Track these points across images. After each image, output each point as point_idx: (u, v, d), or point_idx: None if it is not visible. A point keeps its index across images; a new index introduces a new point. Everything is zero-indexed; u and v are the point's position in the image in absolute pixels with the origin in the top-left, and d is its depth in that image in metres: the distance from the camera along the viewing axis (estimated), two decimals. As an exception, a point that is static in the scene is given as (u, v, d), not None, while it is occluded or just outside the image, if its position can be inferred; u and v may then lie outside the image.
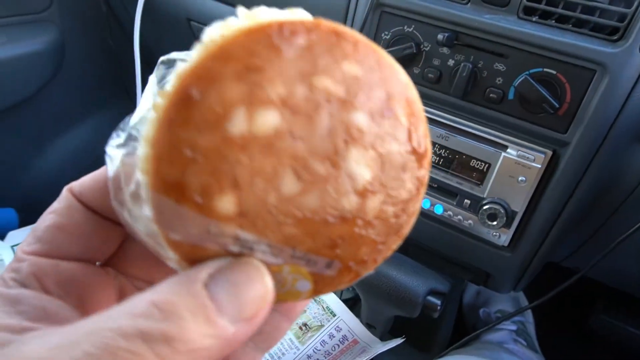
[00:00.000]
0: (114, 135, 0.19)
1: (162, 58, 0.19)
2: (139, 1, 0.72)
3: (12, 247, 0.70)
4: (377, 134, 0.17)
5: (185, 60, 0.17)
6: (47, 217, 0.21)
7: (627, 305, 1.03)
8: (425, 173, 0.19)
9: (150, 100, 0.18)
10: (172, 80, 0.16)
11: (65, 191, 0.21)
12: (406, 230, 0.19)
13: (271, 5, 0.18)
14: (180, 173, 0.15)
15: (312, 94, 0.16)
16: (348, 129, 0.16)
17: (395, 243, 0.19)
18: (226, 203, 0.15)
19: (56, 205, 0.21)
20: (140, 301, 0.15)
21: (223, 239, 0.16)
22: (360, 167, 0.17)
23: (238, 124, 0.15)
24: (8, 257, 0.68)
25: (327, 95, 0.16)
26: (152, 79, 0.19)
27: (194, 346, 0.14)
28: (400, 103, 0.17)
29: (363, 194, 0.17)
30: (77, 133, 1.03)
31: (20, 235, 0.73)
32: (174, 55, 0.19)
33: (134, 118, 0.19)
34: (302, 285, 0.18)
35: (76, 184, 0.21)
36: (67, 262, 0.20)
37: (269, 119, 0.15)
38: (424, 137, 0.19)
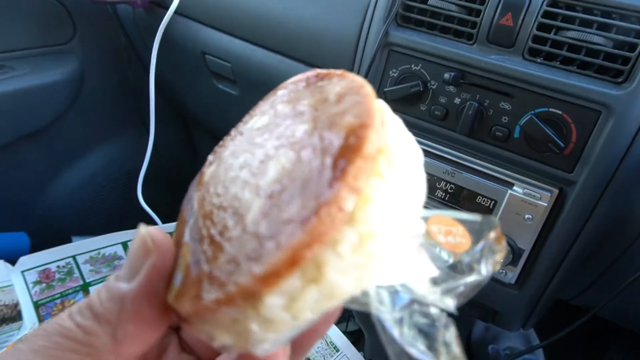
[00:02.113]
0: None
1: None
2: (156, 35, 0.75)
3: (23, 272, 0.71)
4: (304, 145, 0.18)
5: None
6: None
7: (643, 347, 1.00)
8: (341, 203, 0.16)
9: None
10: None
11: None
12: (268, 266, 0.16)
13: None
14: None
15: (294, 110, 0.20)
16: (289, 135, 0.19)
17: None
18: None
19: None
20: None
21: None
22: (271, 168, 0.18)
23: None
24: (18, 283, 0.69)
25: (299, 111, 0.20)
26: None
27: (99, 310, 0.18)
28: (350, 127, 0.17)
29: (268, 196, 0.18)
30: (92, 160, 1.06)
31: (31, 261, 0.73)
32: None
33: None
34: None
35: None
36: None
37: (262, 119, 0.21)
38: (350, 168, 0.16)
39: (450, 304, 0.19)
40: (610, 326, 0.92)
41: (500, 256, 0.20)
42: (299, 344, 0.22)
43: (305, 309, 0.16)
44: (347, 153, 0.16)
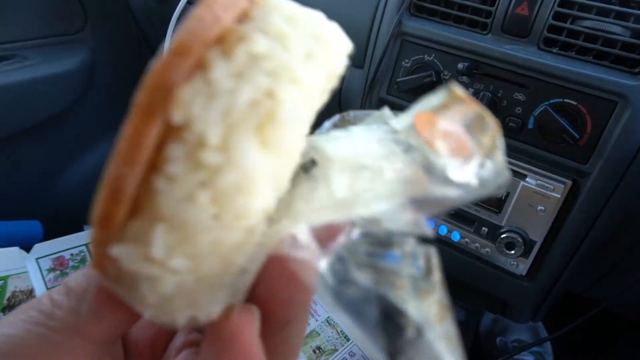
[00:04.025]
0: None
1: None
2: (169, 26, 0.75)
3: (37, 259, 0.72)
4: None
5: None
6: None
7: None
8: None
9: None
10: None
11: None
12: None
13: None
14: None
15: None
16: None
17: None
18: None
19: None
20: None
21: None
22: None
23: None
24: (33, 269, 0.71)
25: None
26: None
27: (71, 284, 0.18)
28: None
29: None
30: (105, 149, 1.07)
31: (45, 248, 0.74)
32: None
33: None
34: None
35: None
36: None
37: None
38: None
39: (427, 231, 0.15)
40: (620, 320, 0.91)
41: (488, 138, 0.16)
42: (274, 320, 0.18)
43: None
44: None
